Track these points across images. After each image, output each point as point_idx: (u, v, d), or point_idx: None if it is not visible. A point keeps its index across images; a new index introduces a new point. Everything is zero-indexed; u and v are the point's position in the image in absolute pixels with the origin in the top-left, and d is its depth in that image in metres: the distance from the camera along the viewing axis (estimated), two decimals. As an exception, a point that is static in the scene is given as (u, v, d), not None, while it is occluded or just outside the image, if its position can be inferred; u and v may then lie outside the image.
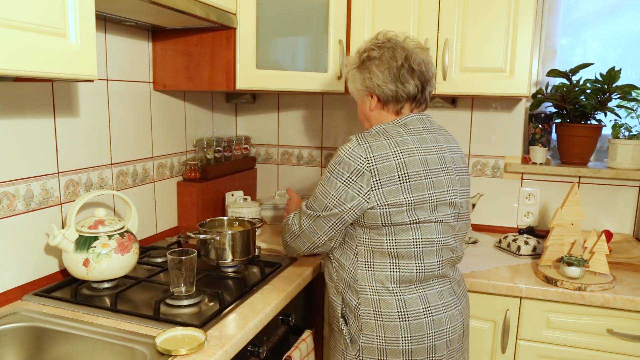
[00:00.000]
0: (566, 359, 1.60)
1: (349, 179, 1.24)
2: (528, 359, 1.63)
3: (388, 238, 1.26)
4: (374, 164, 1.23)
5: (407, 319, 1.27)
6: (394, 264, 1.28)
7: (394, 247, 1.26)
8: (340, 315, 1.35)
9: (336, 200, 1.27)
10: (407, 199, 1.23)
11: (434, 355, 1.29)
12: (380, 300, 1.28)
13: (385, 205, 1.23)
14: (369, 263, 1.29)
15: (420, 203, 1.25)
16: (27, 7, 0.93)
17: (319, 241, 1.35)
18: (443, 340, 1.30)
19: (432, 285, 1.31)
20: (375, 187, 1.23)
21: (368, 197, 1.23)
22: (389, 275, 1.28)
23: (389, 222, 1.24)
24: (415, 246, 1.27)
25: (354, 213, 1.26)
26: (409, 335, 1.27)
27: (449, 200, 1.30)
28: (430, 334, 1.28)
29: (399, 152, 1.25)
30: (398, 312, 1.27)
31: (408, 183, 1.24)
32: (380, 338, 1.27)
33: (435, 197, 1.27)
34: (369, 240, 1.29)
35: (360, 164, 1.23)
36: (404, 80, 1.32)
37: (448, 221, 1.30)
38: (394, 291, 1.28)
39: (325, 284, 1.45)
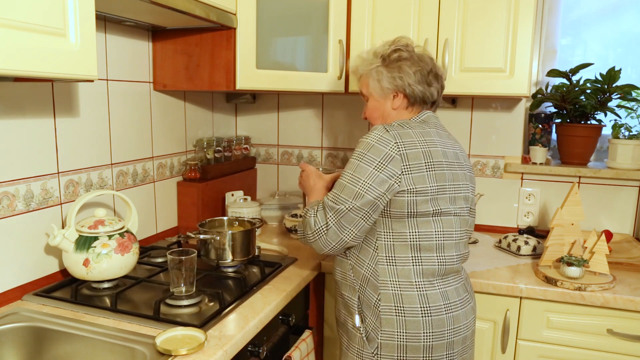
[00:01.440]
0: (566, 359, 1.60)
1: (380, 163, 1.24)
2: (528, 359, 1.63)
3: (411, 230, 1.27)
4: (403, 149, 1.24)
5: (429, 315, 1.27)
6: (417, 258, 1.28)
7: (417, 239, 1.27)
8: (356, 313, 1.33)
9: (368, 185, 1.24)
10: (432, 187, 1.25)
11: (451, 352, 1.30)
12: (403, 295, 1.27)
13: (413, 191, 1.24)
14: (391, 257, 1.28)
15: (442, 193, 1.27)
16: (27, 7, 0.93)
17: (348, 236, 1.28)
18: (460, 336, 1.31)
19: (449, 281, 1.32)
20: (405, 171, 1.23)
21: (400, 180, 1.23)
22: (413, 269, 1.28)
23: (414, 211, 1.25)
24: (437, 238, 1.28)
25: (385, 198, 1.24)
26: (430, 331, 1.27)
27: (463, 194, 1.33)
28: (450, 330, 1.29)
29: (424, 141, 1.28)
30: (421, 307, 1.27)
31: (433, 171, 1.26)
32: (402, 334, 1.27)
33: (454, 189, 1.30)
34: (391, 234, 1.28)
35: (391, 149, 1.24)
36: (429, 83, 1.36)
37: (464, 215, 1.34)
38: (418, 286, 1.27)
39: (336, 282, 1.42)
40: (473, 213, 1.41)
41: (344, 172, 1.30)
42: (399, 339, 1.27)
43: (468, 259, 1.45)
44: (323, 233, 1.29)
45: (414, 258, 1.28)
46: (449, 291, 1.30)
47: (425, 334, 1.26)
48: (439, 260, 1.29)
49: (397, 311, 1.27)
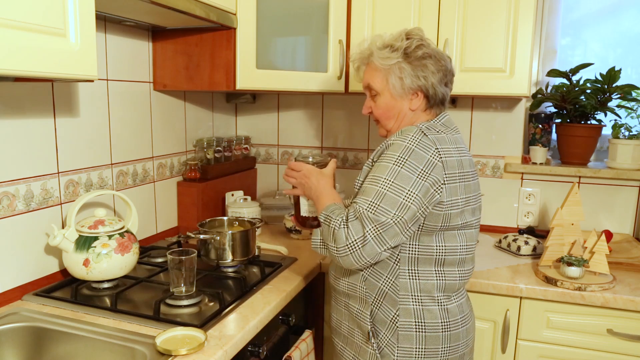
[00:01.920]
0: (566, 359, 1.60)
1: (423, 171, 1.13)
2: (528, 359, 1.63)
3: (438, 244, 1.20)
4: (443, 156, 1.16)
5: (448, 329, 1.23)
6: (440, 272, 1.22)
7: (443, 254, 1.21)
8: (369, 328, 1.24)
9: (414, 196, 1.12)
10: (462, 199, 1.19)
11: None
12: (424, 310, 1.21)
13: (449, 203, 1.16)
14: (413, 271, 1.21)
15: (467, 205, 1.21)
16: (27, 7, 0.93)
17: (385, 251, 1.13)
18: (469, 348, 1.30)
19: (462, 293, 1.29)
20: (446, 181, 1.15)
21: (441, 190, 1.15)
22: (436, 284, 1.22)
23: (447, 225, 1.19)
24: (460, 253, 1.23)
25: (427, 210, 1.15)
26: (447, 346, 1.23)
27: (479, 203, 1.28)
28: (463, 343, 1.27)
29: (456, 148, 1.21)
30: (442, 322, 1.22)
31: (463, 182, 1.20)
32: (420, 350, 1.21)
33: (474, 200, 1.25)
34: (417, 247, 1.20)
35: (432, 155, 1.15)
36: (448, 84, 1.28)
37: (478, 226, 1.29)
38: (439, 300, 1.23)
39: (339, 292, 1.33)
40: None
41: (379, 178, 1.15)
42: (417, 355, 1.22)
43: None
44: (358, 247, 1.12)
45: (437, 272, 1.22)
46: (463, 304, 1.28)
47: (443, 349, 1.23)
48: (460, 275, 1.25)
49: (417, 327, 1.21)
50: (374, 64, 1.28)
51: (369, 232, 1.11)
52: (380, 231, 1.11)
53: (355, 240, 1.12)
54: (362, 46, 1.33)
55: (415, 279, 1.21)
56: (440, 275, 1.22)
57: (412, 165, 1.13)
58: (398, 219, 1.12)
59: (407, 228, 1.14)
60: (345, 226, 1.14)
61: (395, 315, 1.21)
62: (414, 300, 1.21)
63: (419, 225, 1.18)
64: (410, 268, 1.21)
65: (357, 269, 1.23)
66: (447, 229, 1.20)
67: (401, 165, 1.13)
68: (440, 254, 1.20)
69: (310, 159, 1.35)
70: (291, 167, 1.33)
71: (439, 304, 1.22)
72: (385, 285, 1.22)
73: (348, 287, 1.29)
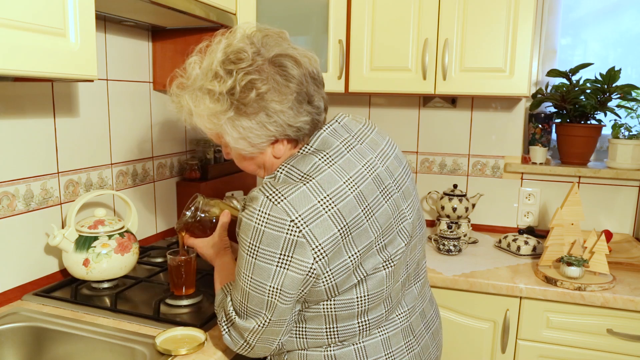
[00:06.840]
0: (566, 359, 1.60)
1: (282, 257, 0.89)
2: (528, 359, 1.63)
3: (326, 304, 0.96)
4: (305, 226, 0.88)
5: None
6: (332, 329, 0.99)
7: (333, 310, 0.96)
8: None
9: (278, 293, 0.90)
10: (352, 257, 0.92)
11: None
12: (308, 356, 1.02)
13: (330, 275, 0.91)
14: (300, 329, 1.00)
15: (367, 252, 0.94)
16: (27, 6, 0.93)
17: (274, 345, 1.00)
18: None
19: (374, 334, 1.02)
20: (318, 257, 0.89)
21: (314, 271, 0.90)
22: (326, 341, 1.00)
23: (335, 293, 0.94)
24: (359, 305, 0.96)
25: (303, 295, 0.94)
26: None
27: (397, 230, 1.00)
28: None
29: (328, 198, 0.90)
30: None
31: (350, 236, 0.91)
32: None
33: (382, 236, 0.97)
34: (302, 306, 0.99)
35: (289, 232, 0.88)
36: (311, 99, 0.99)
37: (398, 258, 1.00)
38: (326, 349, 1.01)
39: None
40: (417, 235, 1.08)
41: (239, 270, 0.95)
42: None
43: (424, 271, 1.18)
44: (248, 350, 1.01)
45: (327, 329, 0.99)
46: (367, 346, 1.01)
47: None
48: (361, 325, 0.99)
49: None
50: (203, 126, 1.01)
51: (249, 338, 0.98)
52: (259, 335, 0.97)
53: (242, 345, 1.01)
54: (178, 92, 1.08)
55: (302, 338, 1.00)
56: (332, 331, 0.99)
57: (266, 253, 0.89)
58: (269, 321, 0.94)
59: (286, 320, 0.96)
60: (228, 332, 1.02)
61: None
62: (299, 354, 1.04)
63: (302, 304, 0.98)
64: (297, 325, 1.00)
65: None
66: (340, 293, 0.95)
67: (254, 256, 0.90)
68: (330, 310, 0.96)
69: (188, 214, 1.28)
70: (185, 244, 1.29)
71: (324, 350, 1.01)
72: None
73: None
